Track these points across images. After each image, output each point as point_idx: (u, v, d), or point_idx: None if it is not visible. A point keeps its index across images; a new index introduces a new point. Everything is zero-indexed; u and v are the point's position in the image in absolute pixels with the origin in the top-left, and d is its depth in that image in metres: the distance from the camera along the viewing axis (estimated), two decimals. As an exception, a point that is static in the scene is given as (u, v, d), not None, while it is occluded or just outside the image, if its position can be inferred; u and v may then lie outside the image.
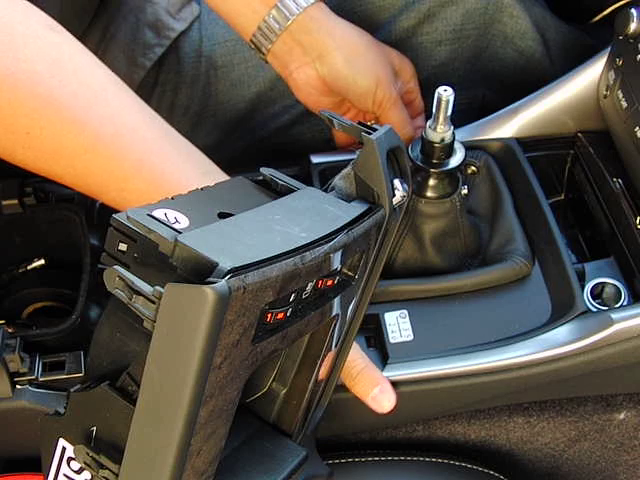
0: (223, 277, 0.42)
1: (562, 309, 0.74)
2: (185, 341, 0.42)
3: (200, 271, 0.44)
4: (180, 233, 0.46)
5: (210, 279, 0.42)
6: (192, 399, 0.43)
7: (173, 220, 0.48)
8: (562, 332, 0.72)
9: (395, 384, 0.71)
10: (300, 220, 0.52)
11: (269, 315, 0.48)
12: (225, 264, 0.43)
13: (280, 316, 0.49)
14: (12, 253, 0.83)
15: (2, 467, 0.76)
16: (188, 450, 0.45)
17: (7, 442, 0.74)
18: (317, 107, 0.88)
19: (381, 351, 0.73)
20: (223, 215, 0.52)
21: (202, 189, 0.55)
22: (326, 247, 0.50)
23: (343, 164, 0.80)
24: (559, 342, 0.72)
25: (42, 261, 0.83)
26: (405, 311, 0.75)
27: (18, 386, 0.69)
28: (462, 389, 0.73)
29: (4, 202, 0.79)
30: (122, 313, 0.52)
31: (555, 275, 0.76)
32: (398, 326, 0.74)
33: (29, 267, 0.83)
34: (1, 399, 0.69)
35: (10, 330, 0.69)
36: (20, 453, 0.76)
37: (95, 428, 0.51)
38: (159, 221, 0.47)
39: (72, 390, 0.52)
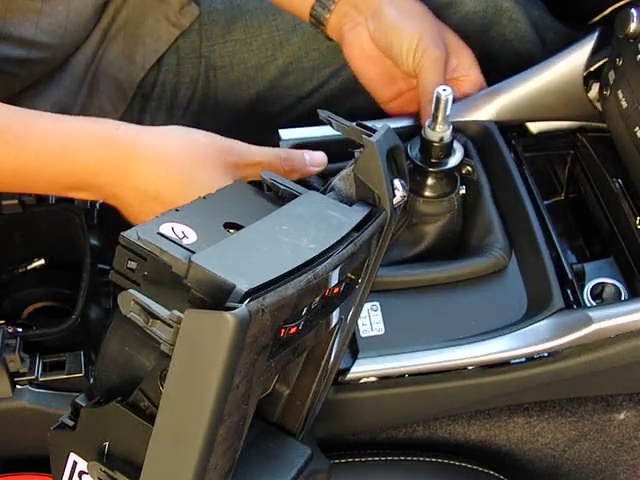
0: (241, 300, 0.42)
1: (539, 304, 0.73)
2: (205, 366, 0.42)
3: (217, 293, 0.43)
4: (192, 252, 0.45)
5: (229, 304, 0.42)
6: (212, 421, 0.43)
7: (181, 235, 0.48)
8: (539, 329, 0.71)
9: (395, 384, 0.71)
10: (307, 230, 0.52)
11: (282, 330, 0.48)
12: (242, 286, 0.43)
13: (293, 330, 0.49)
14: (12, 253, 0.83)
15: (2, 467, 0.76)
16: (206, 468, 0.45)
17: (7, 442, 0.74)
18: (365, 75, 0.90)
19: (351, 345, 0.72)
20: (229, 225, 0.52)
21: (204, 197, 0.55)
22: (336, 259, 0.50)
23: (311, 141, 0.80)
24: (536, 339, 0.71)
25: (42, 261, 0.83)
26: (377, 303, 0.73)
27: (18, 386, 0.69)
28: (461, 389, 0.73)
29: (4, 202, 0.79)
30: (130, 327, 0.51)
31: (532, 268, 0.75)
32: (369, 319, 0.73)
33: (29, 267, 0.83)
34: (1, 399, 0.69)
35: (10, 330, 0.69)
36: (20, 453, 0.75)
37: (108, 443, 0.51)
38: (169, 239, 0.47)
39: (83, 405, 0.52)
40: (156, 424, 0.44)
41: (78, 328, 0.72)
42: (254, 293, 0.43)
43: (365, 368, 0.71)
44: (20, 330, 0.71)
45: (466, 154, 0.81)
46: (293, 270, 0.47)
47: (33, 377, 0.69)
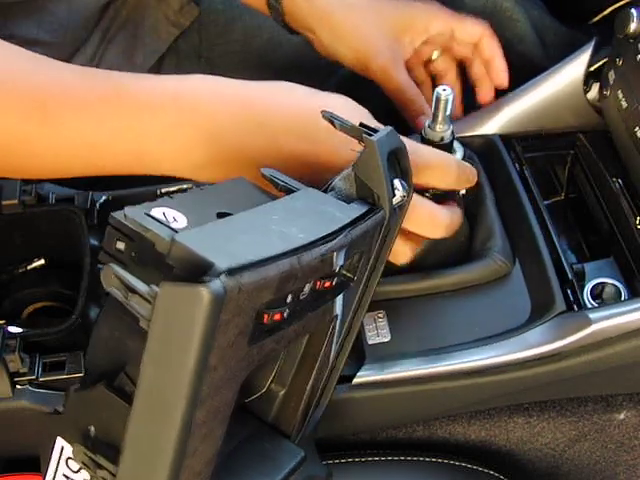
0: (218, 277, 0.42)
1: (541, 309, 0.73)
2: (180, 341, 0.42)
3: (196, 271, 0.43)
4: (177, 232, 0.46)
5: (205, 278, 0.42)
6: (188, 400, 0.43)
7: (171, 220, 0.48)
8: (540, 333, 0.72)
9: (393, 385, 0.71)
10: (298, 221, 0.51)
11: (266, 316, 0.48)
12: (221, 264, 0.43)
13: (277, 317, 0.49)
14: (12, 253, 0.83)
15: (2, 467, 0.76)
16: (185, 451, 0.45)
17: (7, 442, 0.74)
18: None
19: (358, 352, 0.73)
20: (222, 215, 0.52)
21: (202, 188, 0.55)
22: (323, 248, 0.50)
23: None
24: (536, 343, 0.71)
25: (42, 261, 0.83)
26: (383, 311, 0.74)
27: (18, 386, 0.69)
28: (461, 389, 0.73)
29: (4, 202, 0.79)
30: (120, 312, 0.51)
31: (535, 274, 0.76)
32: (375, 326, 0.74)
33: (29, 267, 0.83)
34: (1, 399, 0.69)
35: (10, 330, 0.69)
36: (20, 453, 0.75)
37: (93, 428, 0.51)
38: (157, 220, 0.47)
39: (71, 389, 0.52)
40: (134, 404, 0.44)
41: (78, 328, 0.72)
42: (233, 271, 0.43)
43: (371, 374, 0.71)
44: (20, 330, 0.71)
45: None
46: (278, 255, 0.47)
47: (33, 377, 0.69)
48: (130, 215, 0.47)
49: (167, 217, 0.48)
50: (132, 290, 0.43)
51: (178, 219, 0.49)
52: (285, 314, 0.50)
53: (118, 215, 0.48)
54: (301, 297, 0.51)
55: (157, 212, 0.48)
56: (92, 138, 0.61)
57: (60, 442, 0.53)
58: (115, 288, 0.43)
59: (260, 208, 0.52)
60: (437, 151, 0.71)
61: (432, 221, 0.70)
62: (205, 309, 0.41)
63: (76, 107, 0.60)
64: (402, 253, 0.71)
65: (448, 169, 0.71)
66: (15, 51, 0.62)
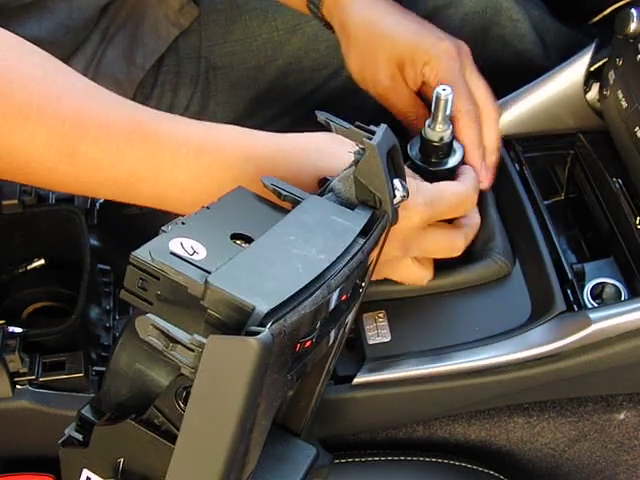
0: (262, 322, 0.42)
1: (542, 309, 0.73)
2: (229, 389, 0.42)
3: (236, 315, 0.43)
4: (206, 271, 0.45)
5: (252, 328, 0.42)
6: (234, 443, 0.43)
7: (191, 251, 0.48)
8: (540, 333, 0.72)
9: (393, 385, 0.71)
10: (314, 239, 0.51)
11: (298, 345, 0.48)
12: (262, 307, 0.43)
13: (308, 344, 0.49)
14: (12, 253, 0.83)
15: (2, 467, 0.76)
16: None
17: (7, 442, 0.74)
18: None
19: (358, 352, 0.73)
20: (236, 236, 0.52)
21: (208, 207, 0.55)
22: (347, 270, 0.50)
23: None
24: (536, 343, 0.71)
25: (42, 261, 0.83)
26: (383, 311, 0.75)
27: (18, 386, 0.69)
28: (461, 389, 0.73)
29: (4, 202, 0.79)
30: (139, 342, 0.51)
31: (535, 275, 0.76)
32: (375, 327, 0.74)
33: (29, 267, 0.83)
34: (1, 399, 0.69)
35: (10, 330, 0.69)
36: (20, 453, 0.75)
37: (122, 460, 0.51)
38: (181, 258, 0.47)
39: (90, 418, 0.53)
40: (177, 446, 0.44)
41: (78, 328, 0.72)
42: (273, 314, 0.43)
43: (371, 374, 0.71)
44: (20, 330, 0.71)
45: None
46: (307, 285, 0.47)
47: (33, 377, 0.69)
48: (155, 256, 0.46)
49: (186, 249, 0.47)
50: (173, 340, 0.42)
51: (197, 249, 0.48)
52: (314, 339, 0.50)
53: (141, 255, 0.47)
54: (325, 318, 0.51)
55: (176, 245, 0.47)
56: (114, 175, 0.61)
57: (86, 473, 0.52)
58: (153, 337, 0.43)
59: (275, 229, 0.52)
60: (455, 189, 0.72)
61: (451, 246, 0.72)
62: (255, 359, 0.41)
63: (98, 141, 0.60)
64: (422, 278, 0.73)
65: (469, 202, 0.73)
66: (53, 70, 0.62)
